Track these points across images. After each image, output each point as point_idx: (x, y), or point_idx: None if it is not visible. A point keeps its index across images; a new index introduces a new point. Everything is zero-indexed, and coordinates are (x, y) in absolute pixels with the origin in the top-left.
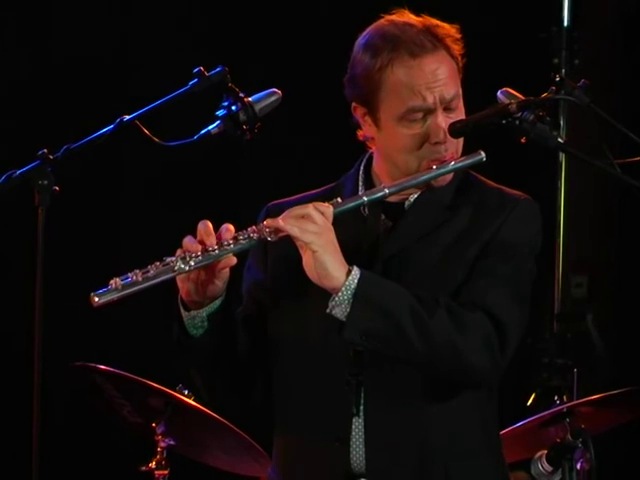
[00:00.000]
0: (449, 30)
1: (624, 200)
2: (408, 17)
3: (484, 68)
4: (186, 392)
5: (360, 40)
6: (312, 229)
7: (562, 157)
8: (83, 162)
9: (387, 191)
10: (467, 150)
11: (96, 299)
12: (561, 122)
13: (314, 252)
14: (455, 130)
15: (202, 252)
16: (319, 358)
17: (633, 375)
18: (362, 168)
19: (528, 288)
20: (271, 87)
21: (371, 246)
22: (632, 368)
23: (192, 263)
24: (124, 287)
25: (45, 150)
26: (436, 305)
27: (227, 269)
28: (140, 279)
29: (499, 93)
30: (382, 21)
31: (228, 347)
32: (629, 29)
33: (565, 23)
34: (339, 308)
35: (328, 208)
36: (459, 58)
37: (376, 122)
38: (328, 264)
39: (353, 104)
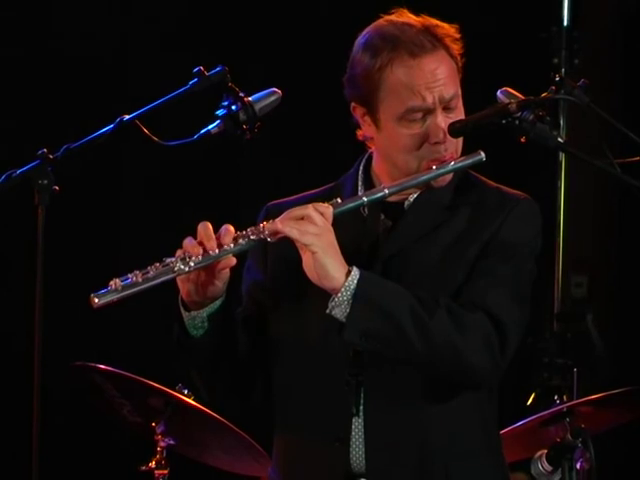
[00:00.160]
0: (448, 30)
1: (624, 200)
2: (407, 17)
3: (484, 68)
4: (186, 392)
5: (359, 40)
6: (312, 230)
7: (562, 157)
8: (83, 162)
9: (387, 191)
10: (467, 150)
11: (96, 300)
12: (561, 122)
13: (314, 253)
14: (455, 130)
15: (202, 253)
16: (319, 358)
17: (633, 375)
18: (362, 168)
19: (528, 288)
20: (271, 87)
21: (371, 246)
22: (632, 368)
23: (192, 264)
24: (124, 288)
25: (45, 150)
26: (436, 305)
27: (227, 270)
28: (140, 280)
29: (499, 93)
30: (381, 21)
31: (228, 347)
32: (629, 29)
33: (565, 23)
34: (339, 309)
35: (328, 209)
36: (458, 58)
37: (375, 122)
38: (328, 265)
39: (352, 104)
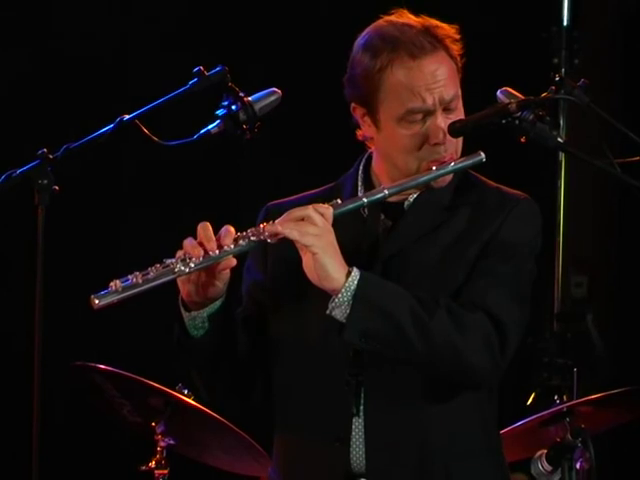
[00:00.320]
0: (448, 30)
1: (624, 200)
2: (407, 17)
3: (484, 68)
4: (186, 392)
5: (359, 40)
6: (312, 231)
7: (562, 157)
8: (83, 161)
9: (387, 192)
10: (467, 150)
11: (96, 301)
12: (561, 122)
13: (314, 254)
14: (454, 130)
15: (202, 254)
16: (319, 358)
17: (633, 375)
18: (361, 168)
19: (528, 288)
20: (271, 87)
21: (371, 246)
22: (632, 368)
23: (192, 265)
24: (124, 289)
25: (45, 149)
26: (436, 306)
27: (227, 270)
28: (140, 281)
29: (499, 93)
30: (381, 22)
31: (228, 348)
32: (629, 29)
33: (565, 23)
34: (339, 309)
35: (328, 209)
36: (458, 58)
37: (375, 123)
38: (328, 266)
39: (352, 104)
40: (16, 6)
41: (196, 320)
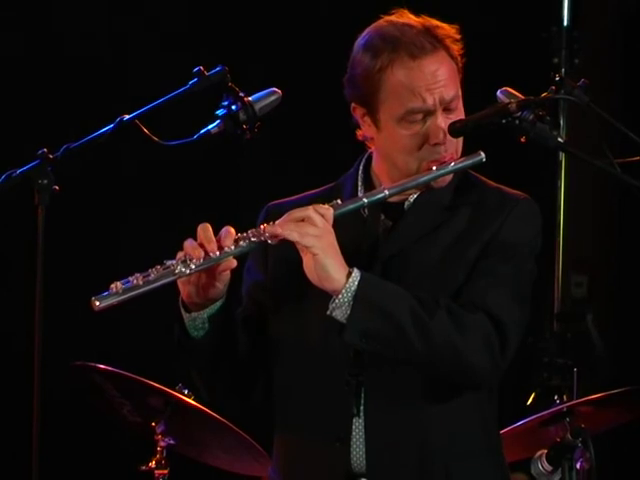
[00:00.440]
0: (449, 31)
1: (624, 200)
2: (408, 18)
3: (484, 68)
4: (186, 391)
5: (360, 41)
6: (312, 232)
7: (562, 157)
8: (83, 161)
9: (387, 192)
10: (467, 150)
11: (97, 303)
12: (561, 122)
13: (314, 255)
14: (455, 130)
15: (203, 255)
16: (319, 359)
17: (633, 375)
18: (361, 168)
19: (528, 288)
20: (271, 87)
21: (371, 246)
22: (632, 368)
23: (193, 266)
24: (125, 291)
25: (45, 149)
26: (436, 306)
27: (228, 271)
28: (141, 283)
29: (499, 93)
30: (382, 22)
31: (228, 348)
32: (629, 29)
33: (565, 23)
34: (339, 310)
35: (328, 210)
36: (459, 58)
37: (376, 123)
38: (329, 266)
39: (353, 104)
40: (16, 6)
41: (196, 321)
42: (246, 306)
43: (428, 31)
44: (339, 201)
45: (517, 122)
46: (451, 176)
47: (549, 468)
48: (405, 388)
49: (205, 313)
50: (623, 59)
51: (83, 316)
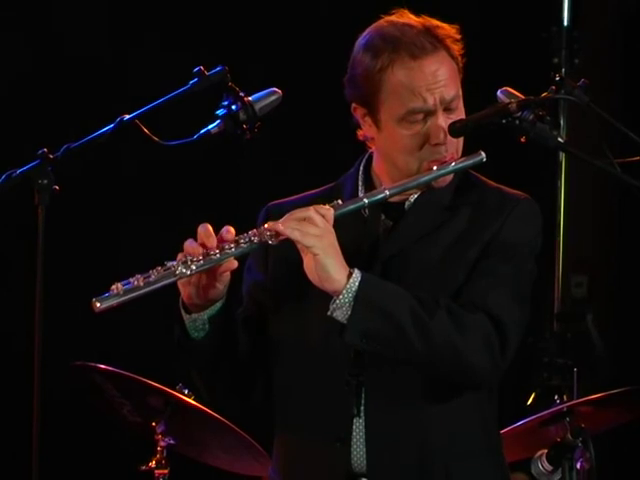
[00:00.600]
0: (449, 31)
1: (624, 200)
2: (408, 18)
3: (484, 68)
4: (186, 391)
5: (360, 41)
6: (313, 232)
7: (562, 157)
8: (83, 161)
9: (387, 193)
10: (467, 150)
11: (98, 304)
12: (561, 122)
13: (315, 255)
14: (455, 130)
15: (203, 256)
16: (320, 359)
17: (633, 375)
18: (362, 168)
19: (528, 288)
20: (271, 87)
21: (371, 246)
22: (632, 368)
23: (193, 267)
24: (125, 292)
25: (45, 149)
26: (436, 306)
27: (228, 272)
28: (142, 284)
29: (499, 92)
30: (382, 22)
31: (229, 349)
32: (629, 29)
33: (565, 23)
34: (340, 311)
35: (329, 210)
36: (459, 58)
37: (376, 123)
38: (329, 267)
39: (353, 104)
40: (16, 6)
41: (197, 322)
42: (246, 306)
43: (428, 31)
44: (340, 201)
45: (517, 122)
46: (451, 176)
47: (549, 468)
48: (405, 388)
49: (205, 314)
50: (623, 59)
51: (83, 316)
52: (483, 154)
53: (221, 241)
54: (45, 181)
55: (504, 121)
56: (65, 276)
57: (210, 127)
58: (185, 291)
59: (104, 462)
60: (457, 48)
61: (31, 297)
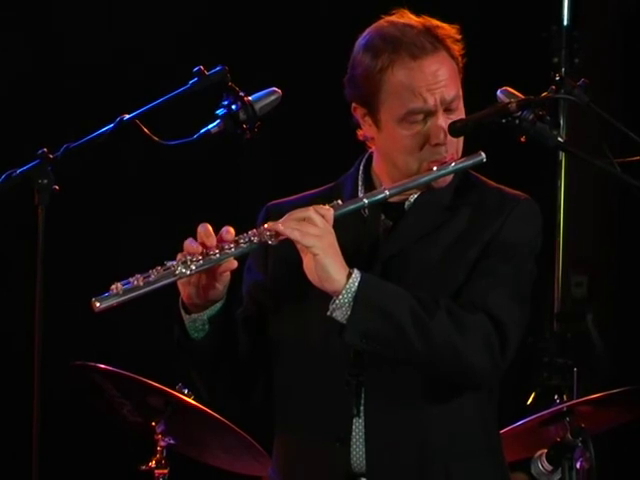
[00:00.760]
0: (449, 31)
1: (624, 200)
2: (408, 18)
3: (484, 68)
4: (186, 391)
5: (360, 41)
6: (313, 232)
7: (562, 156)
8: (83, 161)
9: (387, 193)
10: (467, 150)
11: (97, 304)
12: (561, 121)
13: (315, 255)
14: (455, 129)
15: (203, 256)
16: (320, 359)
17: (633, 375)
18: (362, 168)
19: (528, 288)
20: (271, 86)
21: (371, 246)
22: (632, 368)
23: (193, 267)
24: (125, 292)
25: (45, 149)
26: (436, 306)
27: (228, 272)
28: (141, 284)
29: (499, 92)
30: (382, 22)
31: (229, 349)
32: (629, 29)
33: (565, 22)
34: (340, 311)
35: (329, 211)
36: (459, 59)
37: (376, 123)
38: (329, 267)
39: (353, 104)
40: (16, 6)
41: (196, 322)
42: (246, 306)
43: (429, 31)
44: (339, 201)
45: (517, 122)
46: (451, 176)
47: (549, 468)
48: (405, 388)
49: (205, 314)
50: (623, 59)
51: (83, 316)
52: (483, 154)
53: (221, 241)
54: (45, 181)
55: (504, 121)
56: (65, 276)
57: (210, 127)
58: (185, 291)
59: (104, 462)
60: (457, 48)
61: (31, 297)
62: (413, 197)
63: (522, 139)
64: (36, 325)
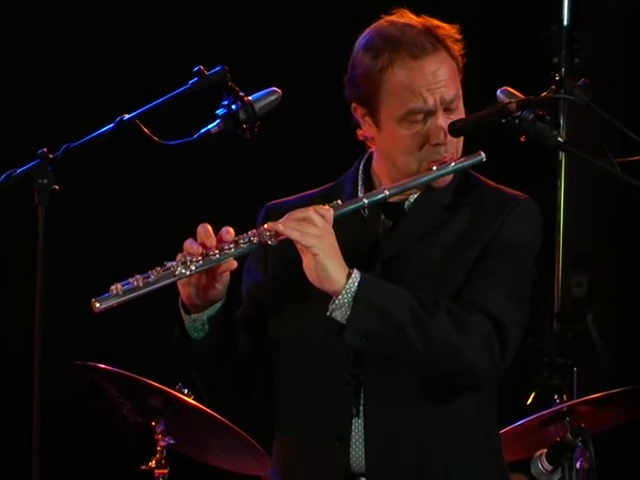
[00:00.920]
0: (449, 31)
1: (624, 200)
2: (408, 18)
3: (484, 68)
4: (186, 391)
5: (360, 41)
6: (313, 232)
7: (562, 156)
8: (83, 161)
9: (387, 193)
10: (467, 150)
11: (97, 305)
12: (561, 121)
13: (315, 255)
14: (455, 129)
15: (203, 256)
16: (319, 359)
17: (633, 375)
18: (362, 168)
19: (528, 288)
20: (271, 86)
21: (371, 246)
22: (632, 368)
23: (193, 267)
24: (125, 292)
25: (45, 149)
26: (436, 307)
27: (227, 273)
28: (141, 284)
29: (499, 92)
30: (382, 22)
31: (229, 349)
32: (629, 29)
33: (565, 22)
34: (339, 311)
35: (328, 211)
36: (459, 58)
37: (376, 123)
38: (329, 267)
39: (353, 104)
40: (16, 6)
41: (196, 323)
42: (246, 306)
43: (429, 31)
44: (339, 201)
45: (517, 121)
46: (451, 176)
47: (549, 468)
48: (405, 388)
49: (205, 315)
50: (623, 59)
51: (83, 316)
52: (483, 154)
53: (220, 241)
54: (45, 181)
55: (504, 121)
56: (65, 276)
57: (210, 127)
58: (185, 291)
59: (104, 462)
60: (457, 48)
61: (31, 297)
62: (413, 197)
63: (522, 139)
64: (36, 325)
